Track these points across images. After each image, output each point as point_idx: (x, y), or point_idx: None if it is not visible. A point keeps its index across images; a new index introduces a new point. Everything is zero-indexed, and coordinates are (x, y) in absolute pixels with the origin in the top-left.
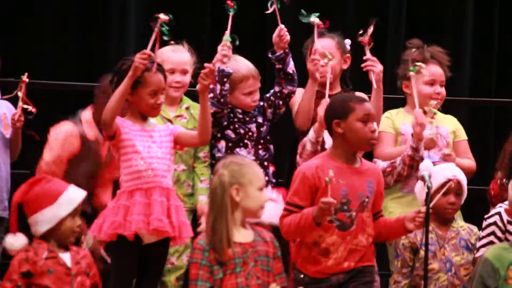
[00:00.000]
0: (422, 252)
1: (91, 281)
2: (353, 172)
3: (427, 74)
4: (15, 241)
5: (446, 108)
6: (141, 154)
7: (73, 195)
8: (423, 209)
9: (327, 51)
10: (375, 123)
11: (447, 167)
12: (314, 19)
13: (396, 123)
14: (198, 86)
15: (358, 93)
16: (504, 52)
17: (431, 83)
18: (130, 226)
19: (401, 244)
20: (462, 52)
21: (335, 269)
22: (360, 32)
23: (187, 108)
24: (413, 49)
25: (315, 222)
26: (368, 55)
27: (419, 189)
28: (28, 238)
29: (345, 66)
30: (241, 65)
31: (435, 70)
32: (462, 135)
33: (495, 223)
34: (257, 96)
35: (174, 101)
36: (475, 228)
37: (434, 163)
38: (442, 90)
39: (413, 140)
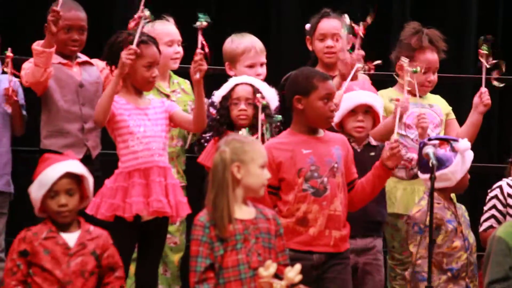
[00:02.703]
0: (445, 228)
1: (104, 263)
2: (318, 141)
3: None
4: None
5: (450, 86)
6: (136, 135)
7: (46, 177)
8: (394, 137)
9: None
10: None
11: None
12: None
13: (387, 103)
14: (195, 76)
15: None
16: (509, 30)
17: (425, 71)
18: (130, 209)
19: (428, 220)
20: (467, 30)
21: (318, 240)
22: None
23: (178, 83)
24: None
25: None
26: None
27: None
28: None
29: (348, 47)
30: (245, 39)
31: (430, 57)
32: (452, 114)
33: (496, 197)
34: (260, 70)
35: (165, 76)
36: (463, 206)
37: (438, 139)
38: (434, 77)
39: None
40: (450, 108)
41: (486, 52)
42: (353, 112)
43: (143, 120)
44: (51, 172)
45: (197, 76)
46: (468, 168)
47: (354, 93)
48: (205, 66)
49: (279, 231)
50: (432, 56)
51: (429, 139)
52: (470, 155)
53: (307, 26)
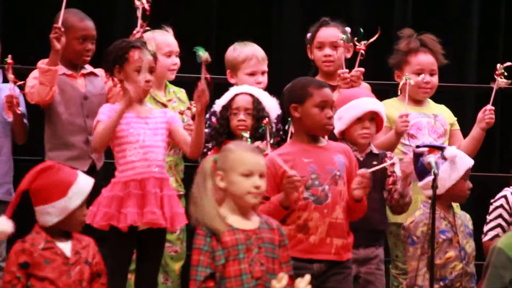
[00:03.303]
0: (436, 240)
1: (94, 269)
2: (319, 150)
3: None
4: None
5: (452, 94)
6: (135, 144)
7: (83, 186)
8: (362, 170)
9: None
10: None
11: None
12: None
13: (391, 112)
14: (196, 107)
15: (364, 84)
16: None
17: (418, 72)
18: (125, 219)
19: (420, 231)
20: (468, 38)
21: (319, 248)
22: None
23: (174, 92)
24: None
25: (282, 207)
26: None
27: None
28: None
29: (348, 55)
30: (247, 47)
31: (422, 59)
32: (457, 125)
33: (501, 206)
34: (261, 78)
35: (161, 85)
36: (467, 215)
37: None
38: (433, 79)
39: (401, 185)
40: (455, 118)
41: (503, 76)
42: (359, 119)
43: (143, 128)
44: (85, 182)
45: (198, 107)
46: (460, 176)
47: (360, 101)
48: (205, 99)
49: (283, 241)
50: (425, 58)
51: (417, 146)
52: (462, 163)
53: (308, 35)
